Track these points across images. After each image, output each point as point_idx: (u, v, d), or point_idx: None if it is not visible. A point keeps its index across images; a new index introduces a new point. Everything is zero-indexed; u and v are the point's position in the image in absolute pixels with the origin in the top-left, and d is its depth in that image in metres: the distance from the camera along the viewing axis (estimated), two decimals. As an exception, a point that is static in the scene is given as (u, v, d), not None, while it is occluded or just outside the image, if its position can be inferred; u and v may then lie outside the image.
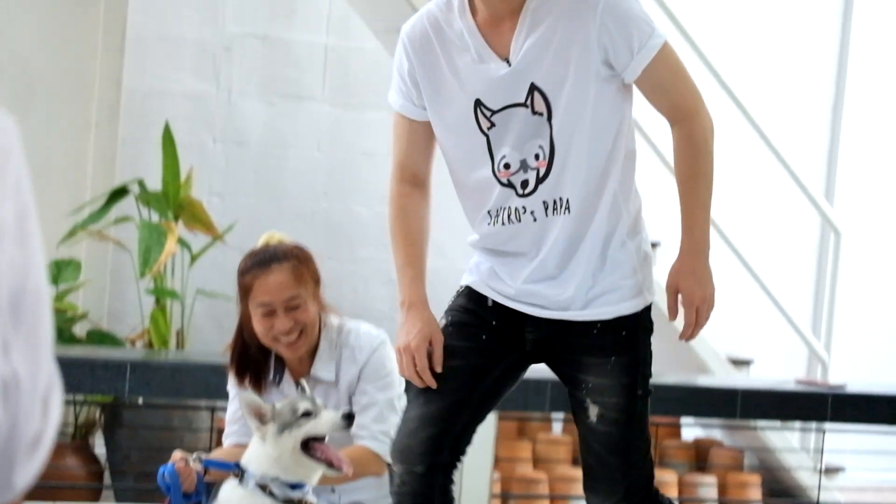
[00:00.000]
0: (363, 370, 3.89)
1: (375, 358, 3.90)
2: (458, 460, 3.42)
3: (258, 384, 3.91)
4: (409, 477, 3.37)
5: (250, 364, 3.94)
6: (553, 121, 3.26)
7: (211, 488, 3.75)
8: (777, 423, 7.26)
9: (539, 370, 5.48)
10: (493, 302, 3.39)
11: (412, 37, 3.35)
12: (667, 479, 7.12)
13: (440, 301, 3.48)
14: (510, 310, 3.37)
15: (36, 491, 1.80)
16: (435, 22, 3.33)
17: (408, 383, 3.42)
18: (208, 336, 7.40)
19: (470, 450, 3.43)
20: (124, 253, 7.25)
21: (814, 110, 8.89)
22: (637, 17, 3.26)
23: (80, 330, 7.13)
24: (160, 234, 6.75)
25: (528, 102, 3.27)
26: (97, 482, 6.87)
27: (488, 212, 3.35)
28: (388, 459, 3.81)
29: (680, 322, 3.39)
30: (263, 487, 3.63)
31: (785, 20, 8.84)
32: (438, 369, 3.35)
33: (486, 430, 5.14)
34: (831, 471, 7.97)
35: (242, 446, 3.80)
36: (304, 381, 3.78)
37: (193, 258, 7.15)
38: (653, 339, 3.41)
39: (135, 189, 7.15)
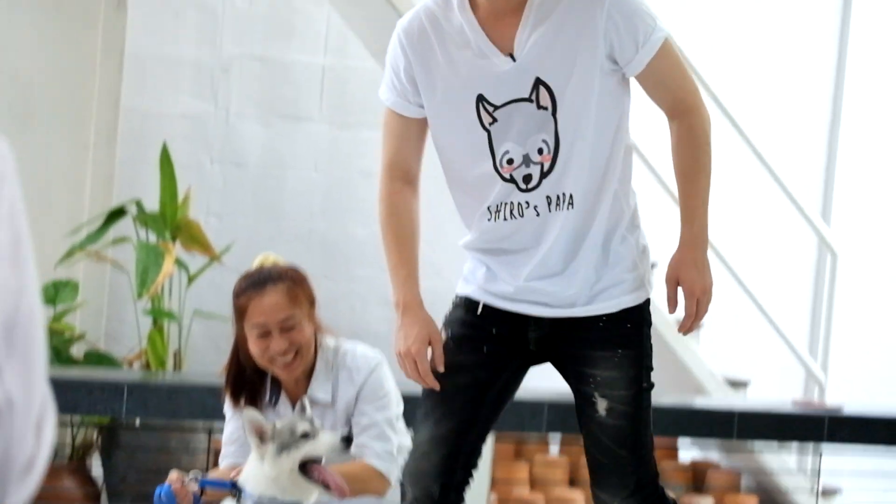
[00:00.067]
0: (361, 391, 3.90)
1: (373, 379, 3.91)
2: (471, 476, 3.43)
3: (253, 406, 3.91)
4: (424, 499, 3.37)
5: (246, 385, 3.94)
6: (558, 115, 3.26)
7: (208, 509, 3.75)
8: (774, 445, 7.26)
9: (536, 391, 5.48)
10: (493, 308, 3.37)
11: (409, 32, 3.33)
12: (664, 501, 7.11)
13: (437, 321, 3.47)
14: (511, 313, 3.35)
15: (31, 513, 1.81)
16: (433, 17, 3.31)
17: (419, 404, 3.41)
18: (206, 357, 7.40)
19: (466, 472, 3.43)
20: (122, 274, 7.26)
21: (810, 130, 8.90)
22: (642, 10, 3.28)
23: (77, 351, 7.13)
24: (158, 255, 6.76)
25: (533, 97, 3.26)
26: None
27: (488, 207, 3.32)
28: (392, 479, 3.82)
29: (670, 319, 3.41)
30: (260, 507, 3.64)
31: (781, 38, 8.86)
32: (440, 369, 3.33)
33: (483, 452, 5.12)
34: (828, 492, 7.97)
35: (239, 467, 3.80)
36: (305, 401, 3.78)
37: (191, 279, 7.15)
38: (648, 361, 3.42)
39: (132, 210, 7.16)
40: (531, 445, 7.61)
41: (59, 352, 6.75)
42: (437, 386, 3.33)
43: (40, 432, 1.54)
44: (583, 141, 3.27)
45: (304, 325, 3.87)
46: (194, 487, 3.73)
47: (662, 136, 3.49)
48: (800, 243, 8.65)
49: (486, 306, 3.38)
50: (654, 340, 3.45)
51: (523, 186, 3.28)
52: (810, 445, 7.20)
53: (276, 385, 3.96)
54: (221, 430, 4.08)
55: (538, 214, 3.29)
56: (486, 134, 3.28)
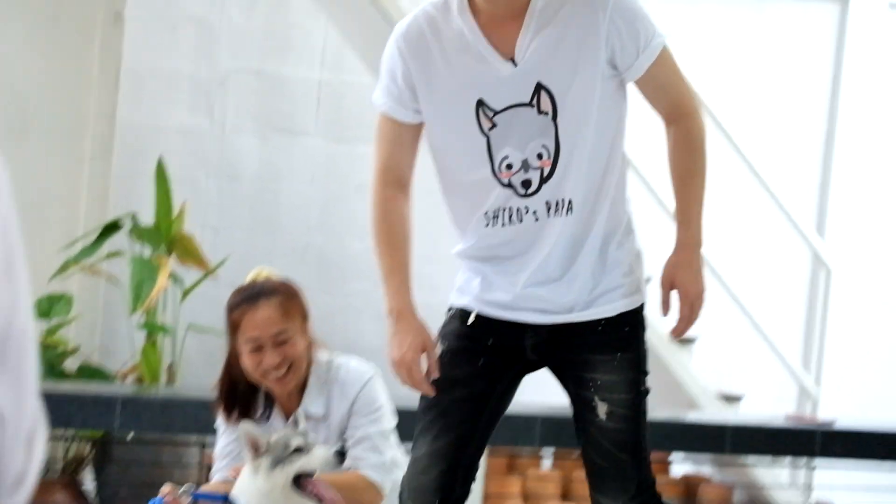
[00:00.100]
0: (354, 405, 3.90)
1: (365, 392, 3.91)
2: (469, 491, 3.42)
3: (246, 420, 3.91)
4: None
5: (238, 400, 3.95)
6: (558, 120, 3.25)
7: (200, 522, 3.75)
8: (767, 459, 7.27)
9: (529, 406, 5.49)
10: (489, 318, 3.36)
11: (408, 37, 3.30)
12: (657, 515, 7.11)
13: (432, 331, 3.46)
14: (508, 322, 3.34)
15: (22, 527, 1.82)
16: (432, 22, 3.29)
17: (416, 419, 3.40)
18: (199, 370, 7.41)
19: (458, 486, 3.43)
20: (116, 288, 7.27)
21: (806, 145, 8.93)
22: (643, 15, 3.28)
23: (71, 364, 7.13)
24: (152, 270, 6.76)
25: (534, 102, 3.24)
26: (87, 517, 6.87)
27: (485, 213, 3.31)
28: (385, 491, 3.83)
29: (663, 333, 3.41)
30: (252, 521, 3.64)
31: (776, 53, 8.89)
32: (435, 375, 3.32)
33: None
34: (822, 507, 7.98)
35: (231, 482, 3.81)
36: (299, 414, 3.79)
37: (185, 293, 7.16)
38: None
39: (127, 224, 7.17)
40: (524, 460, 7.61)
41: (53, 365, 6.76)
42: (431, 392, 3.32)
43: (31, 447, 1.54)
44: (583, 146, 3.26)
45: (297, 340, 3.88)
46: (187, 501, 3.74)
47: (650, 146, 3.51)
48: (794, 258, 8.67)
49: (481, 316, 3.37)
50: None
51: (522, 192, 3.27)
52: (803, 460, 7.22)
53: (269, 399, 3.96)
54: (214, 445, 4.08)
55: (537, 220, 3.28)
56: (485, 139, 3.27)
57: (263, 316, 3.84)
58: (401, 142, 3.35)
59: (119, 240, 7.20)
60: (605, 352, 3.34)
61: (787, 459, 7.30)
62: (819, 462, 6.87)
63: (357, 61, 7.68)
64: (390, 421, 3.93)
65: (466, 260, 3.40)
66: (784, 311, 8.66)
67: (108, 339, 7.65)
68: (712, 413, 7.20)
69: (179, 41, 8.07)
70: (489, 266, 3.35)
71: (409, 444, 4.08)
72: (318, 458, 3.63)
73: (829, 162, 8.94)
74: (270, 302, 3.86)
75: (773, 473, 7.76)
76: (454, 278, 3.51)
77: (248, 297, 3.88)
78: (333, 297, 8.11)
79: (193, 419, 5.21)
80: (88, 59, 7.58)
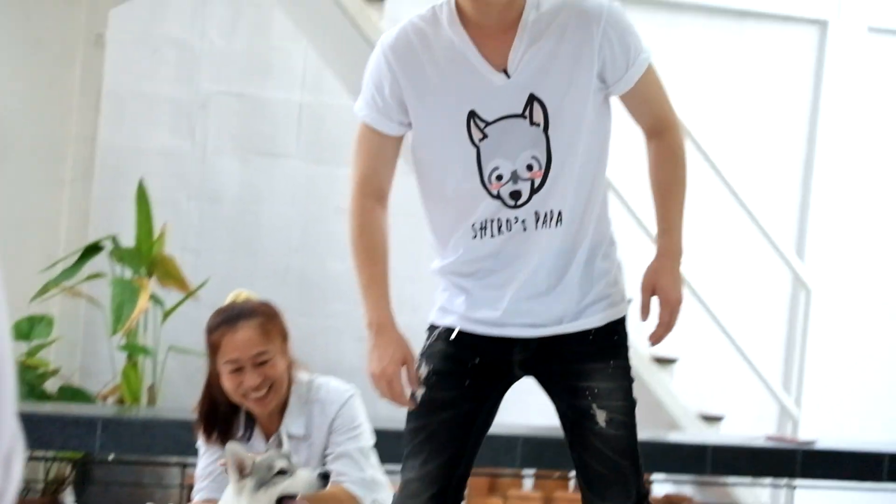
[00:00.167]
0: (334, 423, 3.91)
1: (345, 410, 3.93)
2: None
3: (226, 441, 3.92)
4: None
5: (219, 421, 3.95)
6: (550, 131, 3.24)
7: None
8: (747, 480, 7.28)
9: (510, 427, 5.50)
10: (475, 336, 3.34)
11: (396, 48, 3.27)
12: (638, 536, 7.10)
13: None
14: (495, 339, 3.33)
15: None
16: (421, 33, 3.27)
17: (405, 444, 3.37)
18: (180, 392, 7.40)
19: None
20: (97, 309, 7.26)
21: (785, 168, 8.96)
22: (632, 29, 3.30)
23: (52, 386, 7.12)
24: (133, 291, 6.76)
25: (526, 113, 3.24)
26: (68, 539, 6.85)
27: (472, 225, 3.29)
28: (366, 507, 3.84)
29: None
30: (234, 543, 3.64)
31: (756, 78, 8.93)
32: (414, 388, 3.30)
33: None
34: (802, 527, 7.99)
35: (212, 502, 3.81)
36: (283, 435, 3.79)
37: (166, 315, 7.16)
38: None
39: (108, 245, 7.17)
40: (505, 480, 7.61)
41: (33, 387, 6.75)
42: (411, 406, 3.32)
43: (9, 468, 1.54)
44: (574, 157, 3.26)
45: (277, 360, 3.89)
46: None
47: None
48: (774, 279, 8.70)
49: (467, 335, 3.34)
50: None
51: (511, 203, 3.26)
52: (784, 480, 7.23)
53: (250, 420, 3.97)
54: (195, 465, 4.08)
55: (525, 230, 3.27)
56: (474, 150, 3.25)
57: (243, 337, 3.85)
58: (382, 154, 3.32)
59: (100, 261, 7.20)
60: (598, 360, 3.33)
61: (768, 480, 7.31)
62: (799, 482, 6.88)
63: (337, 83, 7.70)
64: (369, 439, 3.94)
65: (448, 276, 3.37)
66: (764, 331, 8.68)
67: (88, 360, 7.64)
68: (693, 434, 7.21)
69: (160, 64, 8.08)
70: (473, 281, 3.33)
71: (390, 466, 4.09)
72: (301, 480, 3.64)
73: (809, 183, 8.97)
74: (250, 323, 3.87)
75: (753, 494, 7.77)
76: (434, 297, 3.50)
77: (227, 319, 3.89)
78: (314, 318, 8.12)
79: (174, 440, 5.20)
80: (69, 81, 7.58)
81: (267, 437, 3.91)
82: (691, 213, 3.47)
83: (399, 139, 3.34)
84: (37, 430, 5.11)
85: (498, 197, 3.27)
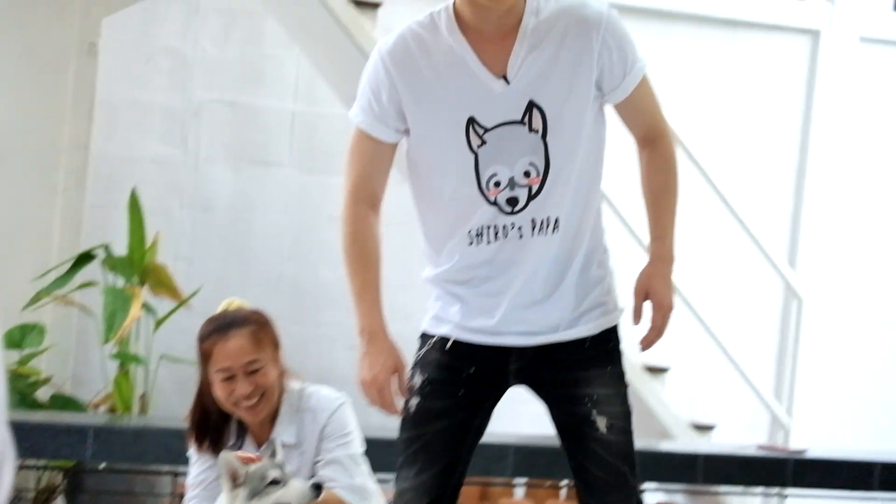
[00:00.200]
0: (324, 430, 3.92)
1: (336, 417, 3.93)
2: None
3: (217, 449, 3.92)
4: None
5: (210, 429, 3.96)
6: (548, 138, 3.24)
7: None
8: (739, 489, 7.28)
9: (501, 435, 5.50)
10: (471, 345, 3.33)
11: (394, 54, 3.26)
12: (630, 545, 7.10)
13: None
14: (491, 348, 3.33)
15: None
16: (419, 39, 3.26)
17: (398, 453, 3.36)
18: (172, 400, 7.40)
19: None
20: (89, 317, 7.26)
21: (778, 178, 8.98)
22: (630, 38, 3.31)
23: (43, 394, 7.12)
24: (125, 300, 6.76)
25: (526, 120, 3.24)
26: (59, 548, 6.84)
27: (469, 231, 3.28)
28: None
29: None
30: (226, 552, 3.65)
31: (748, 87, 8.94)
32: (403, 396, 3.30)
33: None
34: (794, 536, 7.99)
35: (205, 509, 3.81)
36: (277, 445, 3.79)
37: (158, 323, 7.16)
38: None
39: (101, 254, 7.17)
40: (496, 489, 7.61)
41: (25, 396, 6.74)
42: (399, 413, 3.32)
43: (0, 476, 1.54)
44: (572, 164, 3.27)
45: (268, 369, 3.89)
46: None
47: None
48: (766, 289, 8.70)
49: (462, 344, 3.34)
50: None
51: (507, 209, 3.26)
52: (775, 489, 7.24)
53: (242, 428, 3.98)
54: (186, 474, 4.09)
55: (521, 237, 3.27)
56: (472, 157, 3.25)
57: (235, 346, 3.86)
58: (376, 160, 3.31)
59: (92, 270, 7.20)
60: (596, 367, 3.34)
61: (759, 489, 7.32)
62: (791, 491, 6.88)
63: (330, 92, 7.70)
64: (360, 447, 3.95)
65: (442, 284, 3.36)
66: (756, 340, 8.69)
67: (80, 368, 7.64)
68: (685, 442, 7.21)
69: (153, 72, 8.09)
70: (468, 289, 3.33)
71: (382, 474, 4.10)
72: (294, 490, 3.64)
73: (801, 192, 8.99)
74: (242, 331, 3.88)
75: (745, 503, 7.78)
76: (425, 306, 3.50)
77: (219, 327, 3.89)
78: (307, 326, 8.12)
79: (166, 449, 5.20)
80: (62, 90, 7.58)
81: (258, 445, 3.92)
82: (683, 222, 3.48)
83: (394, 147, 3.33)
84: (28, 439, 5.10)
85: (495, 203, 3.26)
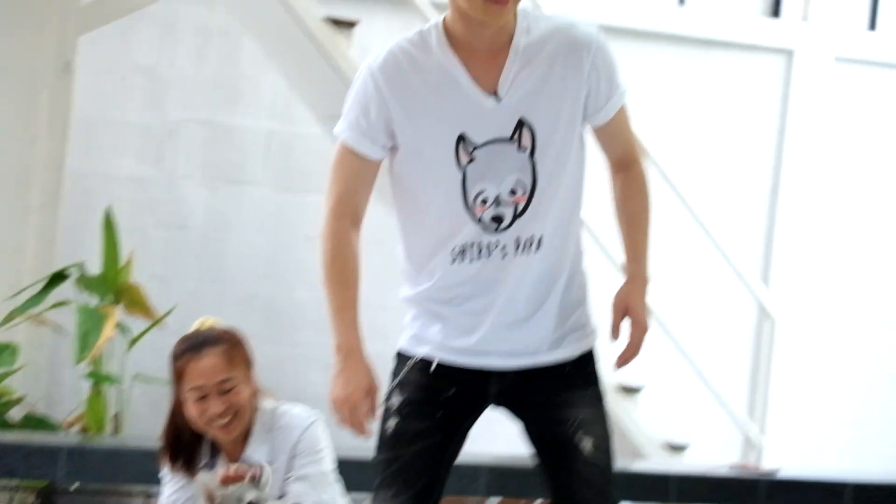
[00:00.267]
0: (296, 447, 3.93)
1: (307, 435, 3.94)
2: None
3: (191, 469, 3.93)
4: None
5: (183, 449, 3.96)
6: (536, 156, 3.25)
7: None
8: (712, 509, 7.29)
9: (475, 455, 5.49)
10: (452, 366, 3.32)
11: (385, 70, 3.26)
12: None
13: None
14: (472, 369, 3.32)
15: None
16: (409, 56, 3.27)
17: (376, 474, 3.35)
18: (146, 421, 7.37)
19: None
20: (63, 337, 7.24)
21: (751, 197, 9.01)
22: (616, 62, 3.33)
23: (16, 414, 7.09)
24: (99, 320, 6.75)
25: (515, 137, 3.25)
26: (31, 568, 6.82)
27: (453, 249, 3.28)
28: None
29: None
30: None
31: (722, 106, 8.98)
32: (373, 418, 3.29)
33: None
34: (767, 556, 8.00)
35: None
36: (265, 469, 3.80)
37: (131, 343, 7.15)
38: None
39: (75, 273, 7.16)
40: (470, 509, 7.60)
41: (-3, 415, 6.72)
42: (370, 435, 3.31)
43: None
44: (557, 184, 3.28)
45: (241, 388, 3.90)
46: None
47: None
48: (739, 309, 8.73)
49: (443, 365, 3.33)
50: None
51: (493, 227, 3.26)
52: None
53: (214, 448, 3.98)
54: (159, 495, 4.08)
55: (504, 256, 3.27)
56: (460, 174, 3.25)
57: (208, 364, 3.87)
58: (360, 176, 3.30)
59: (66, 289, 7.18)
60: (579, 388, 3.35)
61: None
62: (764, 511, 6.90)
63: (306, 111, 7.71)
64: (331, 464, 3.96)
65: (423, 303, 3.35)
66: (729, 360, 8.71)
67: (53, 388, 7.62)
68: (657, 462, 7.23)
69: (129, 91, 8.08)
70: (450, 308, 3.32)
71: (355, 494, 4.10)
72: (271, 512, 3.65)
73: (775, 212, 9.02)
74: (215, 350, 3.89)
75: (718, 523, 7.78)
76: (398, 324, 3.49)
77: (192, 346, 3.90)
78: (282, 346, 8.11)
79: (139, 469, 5.18)
80: (37, 108, 7.56)
81: (231, 464, 3.92)
82: (657, 241, 3.51)
83: (378, 164, 3.31)
84: (0, 459, 5.09)
85: (480, 221, 3.27)
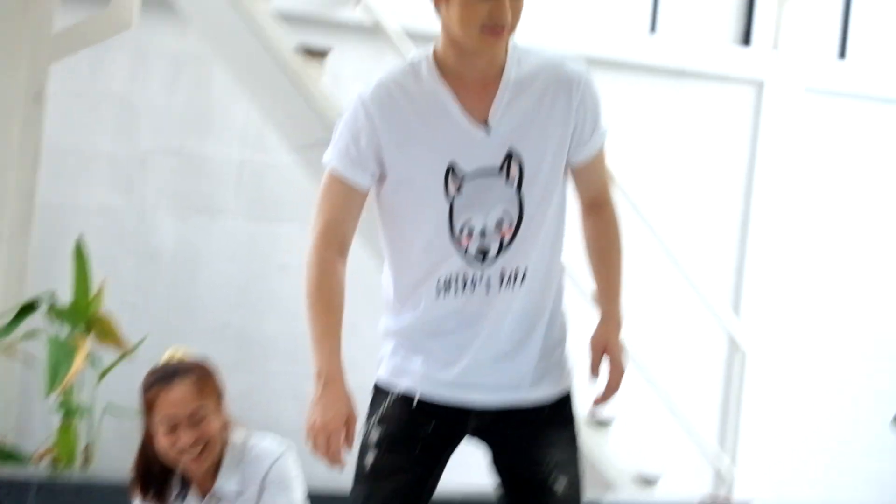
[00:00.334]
0: (266, 478, 3.93)
1: (277, 466, 3.94)
2: None
3: (162, 501, 3.91)
4: None
5: (154, 480, 3.95)
6: (524, 189, 3.27)
7: None
8: (683, 540, 7.30)
9: (447, 485, 5.48)
10: (433, 401, 3.31)
11: (376, 100, 3.27)
12: None
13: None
14: (452, 405, 3.31)
15: None
16: (399, 85, 3.28)
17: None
18: (117, 452, 7.33)
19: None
20: (32, 368, 7.20)
21: (721, 229, 9.02)
22: (601, 102, 3.37)
23: (-15, 446, 7.05)
24: (69, 350, 6.71)
25: (503, 169, 3.27)
26: None
27: (437, 281, 3.28)
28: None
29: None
30: None
31: (692, 137, 9.00)
32: (350, 448, 3.27)
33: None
34: (739, 587, 7.99)
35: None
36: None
37: (102, 374, 7.11)
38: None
39: (45, 303, 7.12)
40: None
41: (-34, 448, 6.67)
42: (343, 466, 3.28)
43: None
44: (542, 217, 3.30)
45: (212, 418, 3.89)
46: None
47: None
48: (710, 341, 8.74)
49: (424, 400, 3.32)
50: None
51: (478, 260, 3.27)
52: (719, 540, 7.26)
53: (185, 480, 3.97)
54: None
55: (488, 290, 3.28)
56: (447, 205, 3.26)
57: (178, 395, 3.86)
58: (350, 205, 3.30)
59: (37, 319, 7.15)
60: (557, 429, 3.37)
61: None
62: (735, 542, 6.90)
63: (279, 141, 7.70)
64: (301, 496, 3.95)
65: (405, 335, 3.35)
66: (700, 392, 8.72)
67: (23, 420, 7.57)
68: (629, 495, 7.22)
69: (100, 120, 8.06)
70: (432, 341, 3.32)
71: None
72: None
73: (745, 244, 9.04)
74: (185, 381, 3.88)
75: (689, 554, 7.78)
76: (370, 355, 3.48)
77: (162, 377, 3.90)
78: (253, 375, 8.09)
79: (109, 501, 5.16)
80: (8, 137, 7.54)
81: (202, 495, 3.92)
82: (627, 271, 3.51)
83: (365, 194, 3.32)
84: (-31, 491, 5.07)
85: (466, 253, 3.27)
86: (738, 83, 9.02)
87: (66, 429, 6.93)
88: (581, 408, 3.48)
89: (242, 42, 7.09)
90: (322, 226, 3.30)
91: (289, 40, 7.01)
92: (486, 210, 3.27)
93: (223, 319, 8.17)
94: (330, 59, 7.19)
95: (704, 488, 8.12)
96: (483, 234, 3.28)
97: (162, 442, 3.88)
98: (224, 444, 3.93)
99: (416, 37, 7.16)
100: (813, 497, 8.27)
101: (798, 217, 9.11)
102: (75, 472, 6.63)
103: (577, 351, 3.45)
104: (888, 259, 9.30)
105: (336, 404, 3.22)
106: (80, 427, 7.11)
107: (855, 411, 9.19)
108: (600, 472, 7.33)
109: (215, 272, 8.18)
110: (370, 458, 3.32)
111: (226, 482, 3.90)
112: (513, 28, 3.26)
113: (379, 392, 3.38)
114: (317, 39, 7.26)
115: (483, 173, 3.27)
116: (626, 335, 3.48)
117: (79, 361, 6.68)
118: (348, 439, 3.25)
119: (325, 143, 3.37)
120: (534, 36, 3.36)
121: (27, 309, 7.08)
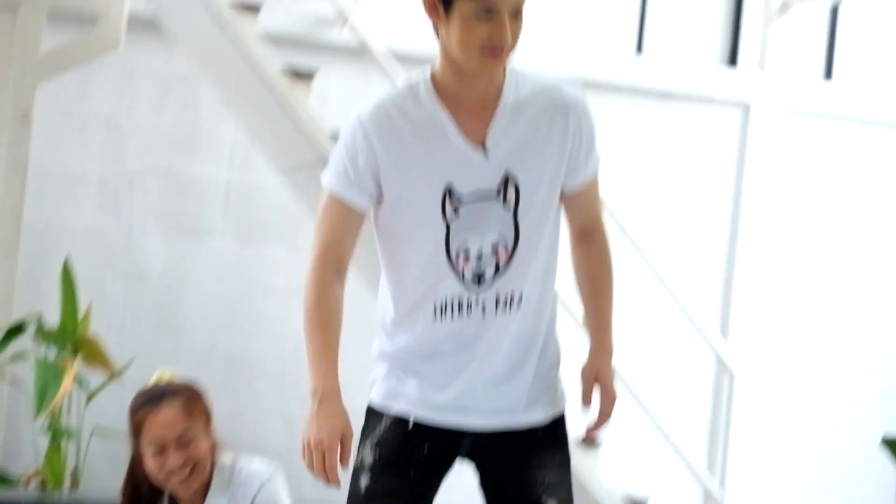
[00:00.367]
0: (254, 501, 3.92)
1: (266, 489, 3.94)
2: None
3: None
4: None
5: (142, 503, 3.94)
6: (520, 212, 3.26)
7: None
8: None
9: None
10: (427, 424, 3.30)
11: (375, 121, 3.26)
12: None
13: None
14: (446, 428, 3.30)
15: None
16: (397, 106, 3.27)
17: None
18: (104, 475, 7.32)
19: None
20: (20, 390, 7.19)
21: (709, 251, 9.04)
22: (596, 128, 3.36)
23: (-29, 469, 7.03)
24: (57, 373, 6.70)
25: (500, 192, 3.26)
26: None
27: (434, 304, 3.27)
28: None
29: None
30: None
31: (679, 159, 9.02)
32: (345, 466, 3.25)
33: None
34: None
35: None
36: None
37: (90, 396, 7.10)
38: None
39: (32, 325, 7.11)
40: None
41: (-47, 470, 6.65)
42: (339, 483, 3.27)
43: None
44: (538, 241, 3.29)
45: (200, 440, 3.89)
46: None
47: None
48: (698, 362, 8.74)
49: (418, 423, 3.30)
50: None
51: (474, 283, 3.26)
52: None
53: (174, 501, 3.97)
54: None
55: (484, 314, 3.27)
56: (444, 227, 3.25)
57: (166, 417, 3.86)
58: (348, 227, 3.29)
59: (24, 341, 7.14)
60: (550, 452, 3.36)
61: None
62: (724, 564, 6.89)
63: (265, 162, 7.70)
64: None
65: (400, 358, 3.33)
66: (688, 413, 8.72)
67: (11, 442, 7.55)
68: (617, 516, 7.20)
69: (87, 141, 8.06)
70: (427, 364, 3.31)
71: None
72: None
73: (732, 266, 9.05)
74: (173, 403, 3.88)
75: (678, 576, 7.78)
76: (360, 378, 3.47)
77: (150, 399, 3.90)
78: (240, 397, 8.07)
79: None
80: (-6, 158, 7.54)
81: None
82: (616, 295, 3.50)
83: (363, 215, 3.31)
84: (-44, 514, 5.05)
85: (462, 277, 3.27)
86: (725, 105, 9.04)
87: (53, 451, 6.91)
88: (572, 431, 3.48)
89: (229, 63, 7.09)
90: (321, 247, 3.29)
91: (276, 62, 7.01)
92: (482, 233, 3.27)
93: (210, 340, 8.16)
94: (316, 81, 7.19)
95: (694, 509, 8.12)
96: (479, 257, 3.27)
97: (150, 464, 3.87)
98: (213, 466, 3.93)
99: (402, 58, 7.17)
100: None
101: (785, 238, 9.13)
102: (63, 495, 6.61)
103: (569, 376, 3.45)
104: (875, 280, 9.32)
105: (331, 420, 3.18)
106: (68, 449, 7.09)
107: (842, 433, 9.20)
108: (590, 493, 7.31)
109: (203, 293, 8.17)
110: (364, 481, 3.29)
111: (215, 504, 3.90)
112: (512, 49, 3.26)
113: (373, 415, 3.37)
114: (303, 61, 7.26)
115: (480, 196, 3.27)
116: (615, 357, 3.48)
117: (66, 383, 6.67)
118: (344, 456, 3.23)
119: (312, 165, 3.38)
120: (519, 57, 3.36)
121: (14, 331, 7.08)
